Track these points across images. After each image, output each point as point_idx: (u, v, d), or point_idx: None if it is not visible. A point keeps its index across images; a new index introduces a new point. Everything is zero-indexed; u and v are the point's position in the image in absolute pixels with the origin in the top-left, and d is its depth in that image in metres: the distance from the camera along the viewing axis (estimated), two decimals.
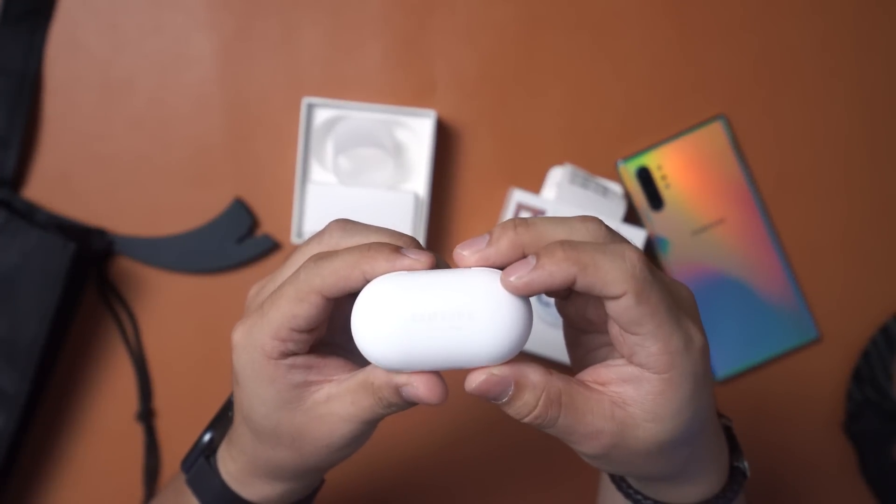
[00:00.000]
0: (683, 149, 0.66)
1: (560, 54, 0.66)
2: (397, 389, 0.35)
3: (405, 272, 0.34)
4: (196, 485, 0.43)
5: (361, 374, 0.36)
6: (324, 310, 0.35)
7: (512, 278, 0.33)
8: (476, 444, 0.66)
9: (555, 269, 0.33)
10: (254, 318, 0.36)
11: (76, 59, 0.65)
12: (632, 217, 0.66)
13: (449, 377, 0.35)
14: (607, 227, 0.36)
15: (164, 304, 0.66)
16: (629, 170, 0.66)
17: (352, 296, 0.35)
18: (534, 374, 0.34)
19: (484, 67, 0.66)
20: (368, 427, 0.37)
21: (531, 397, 0.34)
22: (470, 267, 0.35)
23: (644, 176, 0.66)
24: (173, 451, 0.66)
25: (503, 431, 0.65)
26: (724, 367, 0.66)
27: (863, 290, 0.67)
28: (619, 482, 0.43)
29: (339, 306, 0.37)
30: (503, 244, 0.34)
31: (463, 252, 0.35)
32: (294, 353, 0.36)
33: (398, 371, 0.35)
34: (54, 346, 0.62)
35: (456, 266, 0.35)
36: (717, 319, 0.66)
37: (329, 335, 0.39)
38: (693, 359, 0.34)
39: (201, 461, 0.43)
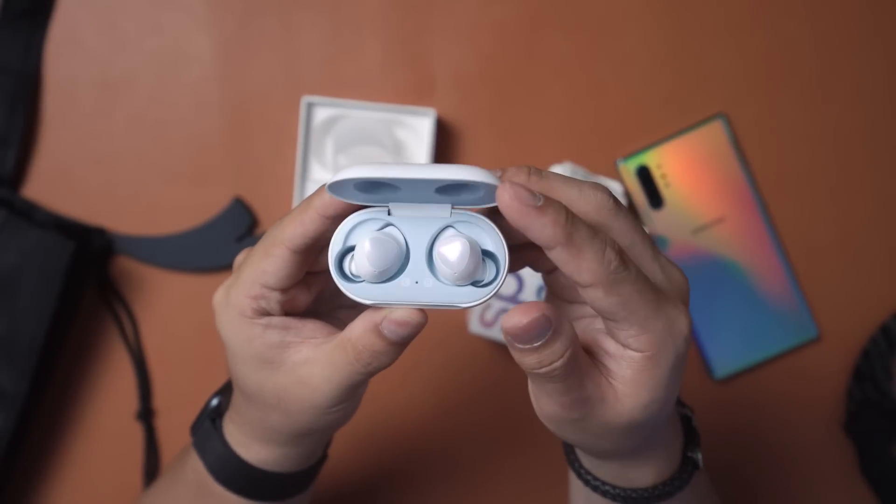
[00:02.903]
0: (683, 148, 0.66)
1: (560, 53, 0.66)
2: (377, 328, 0.35)
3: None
4: (201, 447, 0.44)
5: (338, 336, 0.37)
6: (291, 263, 0.36)
7: (510, 186, 0.31)
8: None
9: (547, 223, 0.31)
10: (229, 280, 0.38)
11: (75, 57, 0.65)
12: None
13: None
14: (615, 198, 0.35)
15: (164, 303, 0.66)
16: (629, 168, 0.66)
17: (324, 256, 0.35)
18: (567, 324, 0.33)
19: (483, 66, 0.66)
20: (350, 391, 0.38)
21: (560, 347, 0.33)
22: None
23: (644, 175, 0.66)
24: (173, 451, 0.66)
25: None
26: (723, 366, 0.66)
27: (863, 289, 0.67)
28: (573, 462, 0.43)
29: (320, 275, 0.38)
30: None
31: None
32: (268, 313, 0.37)
33: (378, 305, 0.35)
34: (54, 345, 0.62)
35: None
36: (717, 319, 0.66)
37: (314, 306, 0.40)
38: (675, 341, 0.34)
39: (207, 424, 0.44)
